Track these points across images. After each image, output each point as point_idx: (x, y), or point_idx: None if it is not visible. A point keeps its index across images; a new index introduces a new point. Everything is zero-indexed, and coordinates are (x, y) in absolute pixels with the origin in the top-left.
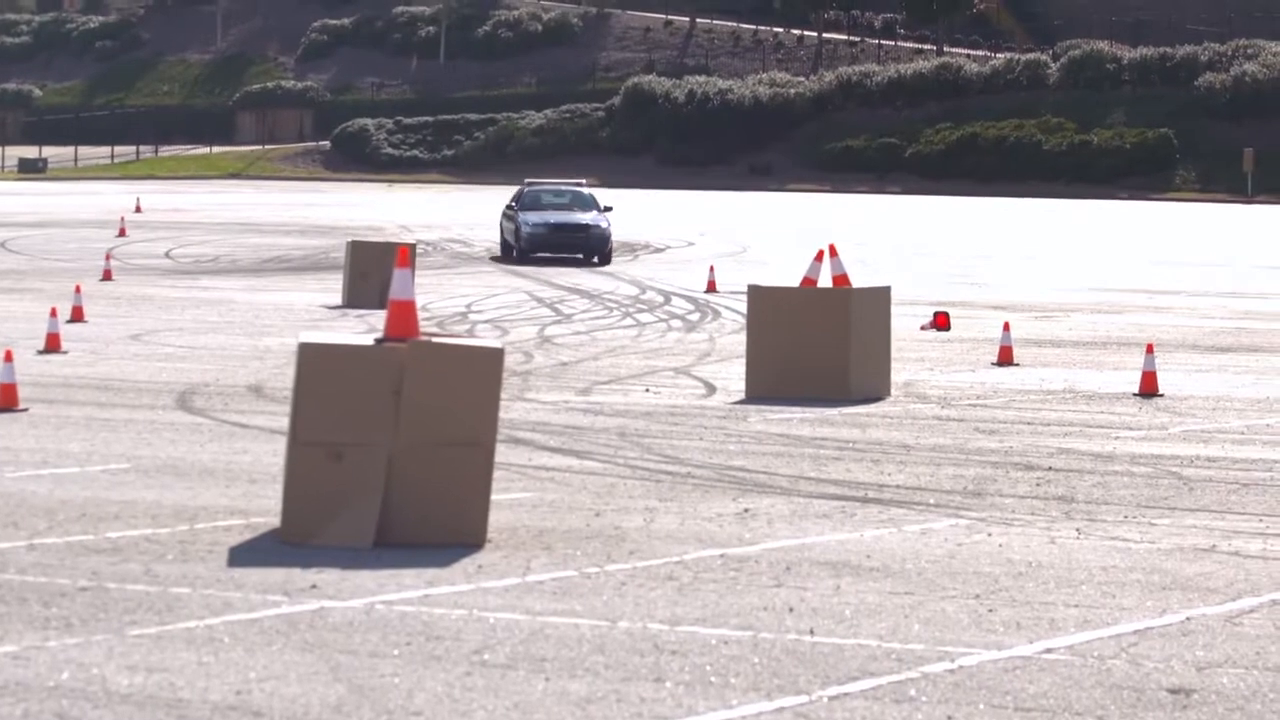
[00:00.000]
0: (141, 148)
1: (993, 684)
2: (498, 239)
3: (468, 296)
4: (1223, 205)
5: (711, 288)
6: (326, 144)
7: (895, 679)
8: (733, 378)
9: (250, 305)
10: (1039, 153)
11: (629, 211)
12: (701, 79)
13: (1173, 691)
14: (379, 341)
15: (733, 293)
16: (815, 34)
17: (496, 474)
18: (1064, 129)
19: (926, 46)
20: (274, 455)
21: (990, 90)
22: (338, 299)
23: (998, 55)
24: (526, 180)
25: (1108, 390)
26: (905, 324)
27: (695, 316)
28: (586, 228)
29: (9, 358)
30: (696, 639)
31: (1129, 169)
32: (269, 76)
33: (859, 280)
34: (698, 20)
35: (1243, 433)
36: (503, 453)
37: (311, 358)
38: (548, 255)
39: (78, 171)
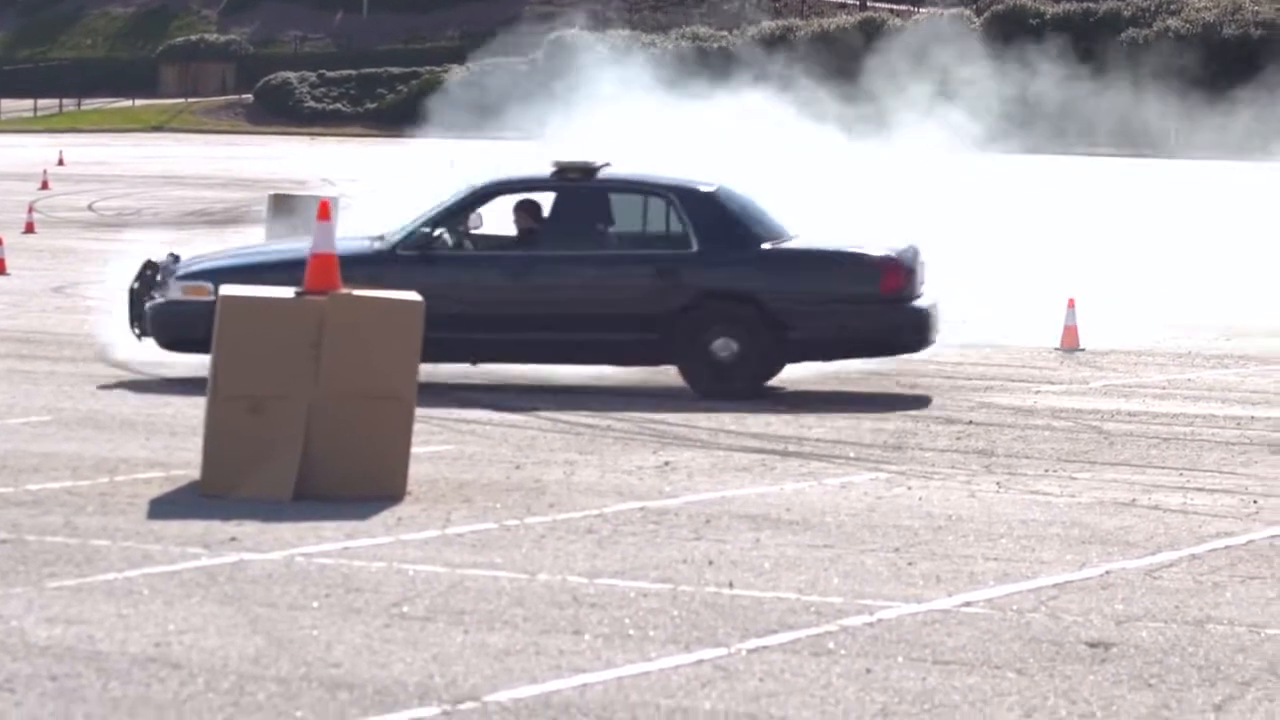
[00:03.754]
0: (65, 101)
1: (911, 637)
2: (424, 191)
3: None
4: (1143, 161)
5: None
6: (249, 97)
7: (814, 632)
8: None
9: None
10: None
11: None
12: (625, 34)
13: (1092, 645)
14: (299, 294)
15: None
16: None
17: (416, 426)
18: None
19: (850, 1)
20: (195, 408)
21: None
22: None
23: (921, 10)
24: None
25: (1028, 344)
26: None
27: None
28: None
29: None
30: (615, 592)
31: None
32: (192, 30)
33: None
34: None
35: (1164, 387)
36: (423, 405)
37: (232, 310)
38: None
39: (0, 124)
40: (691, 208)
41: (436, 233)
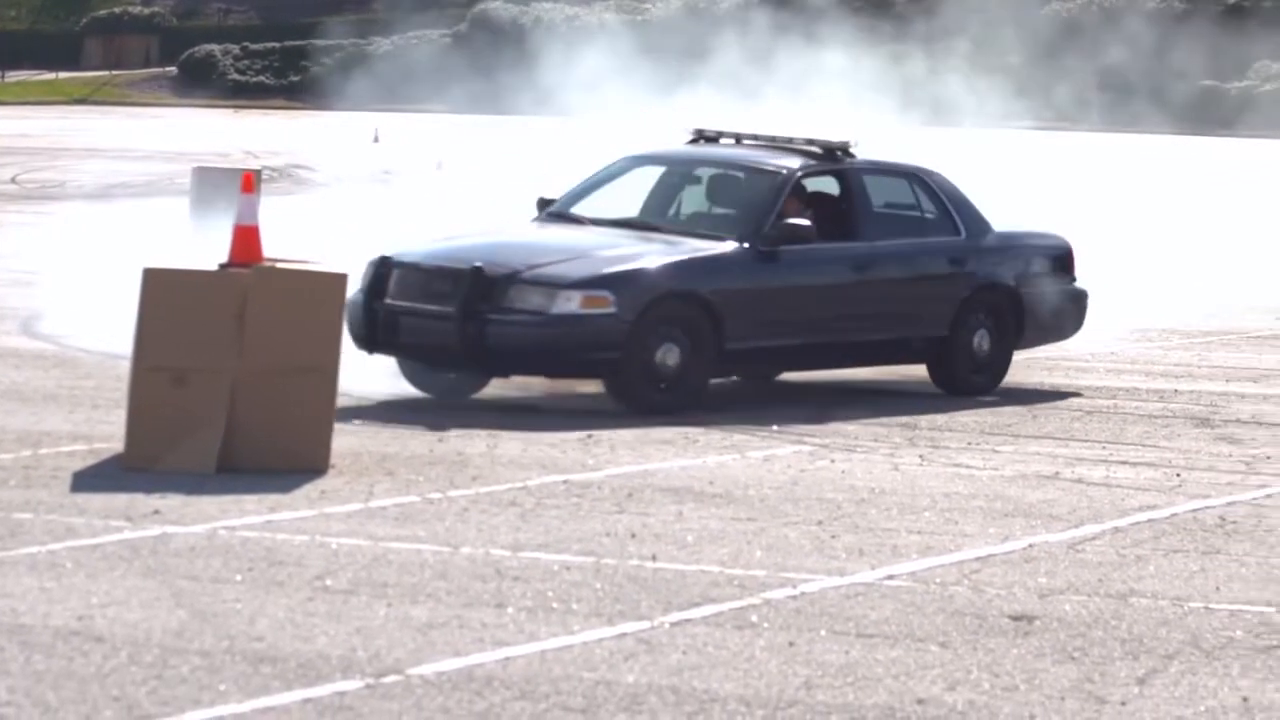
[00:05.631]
0: None
1: (835, 610)
2: (347, 164)
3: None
4: (1068, 134)
5: None
6: (173, 70)
7: (737, 605)
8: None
9: (97, 230)
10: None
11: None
12: (549, 5)
13: (1015, 618)
14: (223, 267)
15: None
16: None
17: (340, 399)
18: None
19: None
20: (118, 381)
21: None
22: (184, 224)
23: None
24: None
25: None
26: None
27: None
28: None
29: None
30: (539, 565)
31: None
32: (116, 2)
33: None
34: None
35: (1086, 360)
36: (346, 378)
37: (155, 283)
38: None
39: None
40: (948, 191)
41: (781, 225)
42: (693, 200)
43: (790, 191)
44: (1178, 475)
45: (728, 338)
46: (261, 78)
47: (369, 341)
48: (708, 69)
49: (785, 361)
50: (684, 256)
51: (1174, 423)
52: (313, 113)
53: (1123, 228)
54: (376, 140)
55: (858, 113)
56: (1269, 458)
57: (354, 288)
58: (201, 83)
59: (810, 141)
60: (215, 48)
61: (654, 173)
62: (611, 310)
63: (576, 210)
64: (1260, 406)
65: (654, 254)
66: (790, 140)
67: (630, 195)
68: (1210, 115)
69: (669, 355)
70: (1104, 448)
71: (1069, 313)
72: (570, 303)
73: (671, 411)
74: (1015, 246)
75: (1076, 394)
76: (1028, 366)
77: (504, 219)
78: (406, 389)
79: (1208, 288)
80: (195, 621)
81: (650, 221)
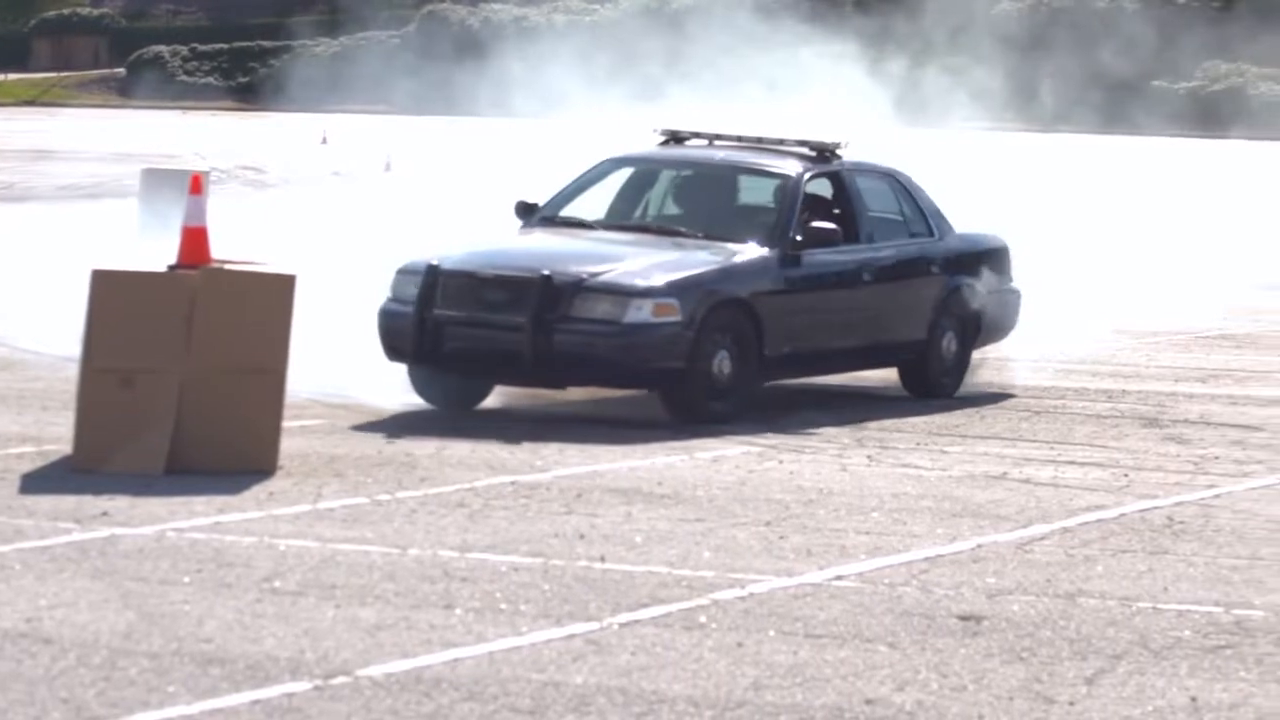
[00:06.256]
0: None
1: (783, 610)
2: (295, 165)
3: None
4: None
5: None
6: (122, 71)
7: (685, 606)
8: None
9: (46, 232)
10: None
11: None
12: (497, 6)
13: (963, 618)
14: (171, 268)
15: None
16: None
17: (288, 401)
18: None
19: None
20: (66, 382)
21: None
22: (132, 226)
23: None
24: None
25: None
26: None
27: None
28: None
29: None
30: (487, 566)
31: None
32: (64, 3)
33: None
34: None
35: (1035, 360)
36: (295, 379)
37: (104, 285)
38: None
39: None
40: (918, 193)
41: (809, 229)
42: (696, 203)
43: (803, 195)
44: (1126, 475)
45: (767, 344)
46: (210, 79)
47: (417, 354)
48: (667, 70)
49: (810, 367)
50: (727, 262)
51: (1122, 423)
52: (261, 114)
53: (1069, 228)
54: (324, 142)
55: (825, 113)
56: (1217, 458)
57: (383, 297)
58: (150, 84)
59: (801, 142)
60: (164, 49)
61: (648, 176)
62: (677, 318)
63: (566, 214)
64: (1208, 406)
65: (700, 261)
66: (781, 141)
67: (624, 198)
68: (1165, 115)
69: (723, 364)
70: (1052, 448)
71: (1010, 313)
72: (642, 311)
73: (727, 421)
74: (971, 248)
75: (1024, 394)
76: (975, 366)
77: (490, 223)
78: (415, 401)
79: (1158, 288)
80: (144, 623)
81: (668, 226)
